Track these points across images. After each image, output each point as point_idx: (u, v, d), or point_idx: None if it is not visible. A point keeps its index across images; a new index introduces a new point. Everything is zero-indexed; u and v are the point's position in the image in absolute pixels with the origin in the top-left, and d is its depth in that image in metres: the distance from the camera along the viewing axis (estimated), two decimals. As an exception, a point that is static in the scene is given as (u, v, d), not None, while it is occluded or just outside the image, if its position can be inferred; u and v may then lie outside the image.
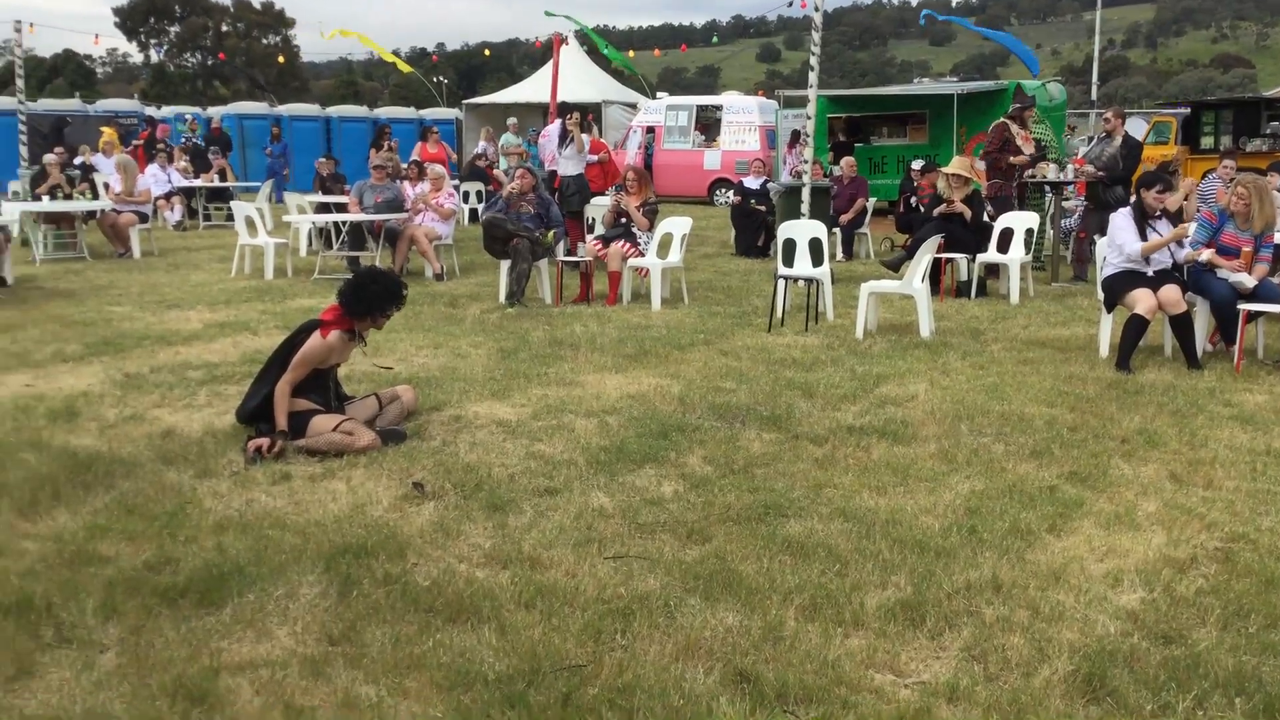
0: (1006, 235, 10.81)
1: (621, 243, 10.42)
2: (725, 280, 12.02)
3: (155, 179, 17.95)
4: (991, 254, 10.81)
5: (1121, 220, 7.71)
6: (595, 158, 14.02)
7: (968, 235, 10.71)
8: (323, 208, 15.12)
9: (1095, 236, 9.92)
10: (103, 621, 3.53)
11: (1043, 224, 11.78)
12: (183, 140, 20.78)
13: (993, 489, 4.89)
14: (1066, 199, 12.46)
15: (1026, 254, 10.73)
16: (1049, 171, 11.60)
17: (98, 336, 8.45)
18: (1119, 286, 7.59)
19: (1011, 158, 11.70)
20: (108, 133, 21.37)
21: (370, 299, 5.64)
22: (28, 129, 16.30)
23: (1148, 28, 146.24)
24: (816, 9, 10.41)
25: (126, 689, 3.13)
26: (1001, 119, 12.27)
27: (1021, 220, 10.85)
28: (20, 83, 16.02)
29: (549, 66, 20.29)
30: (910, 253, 10.08)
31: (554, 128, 13.78)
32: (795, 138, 19.34)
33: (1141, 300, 7.35)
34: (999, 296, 10.67)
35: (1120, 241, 7.62)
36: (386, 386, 6.23)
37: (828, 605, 3.67)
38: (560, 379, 7.07)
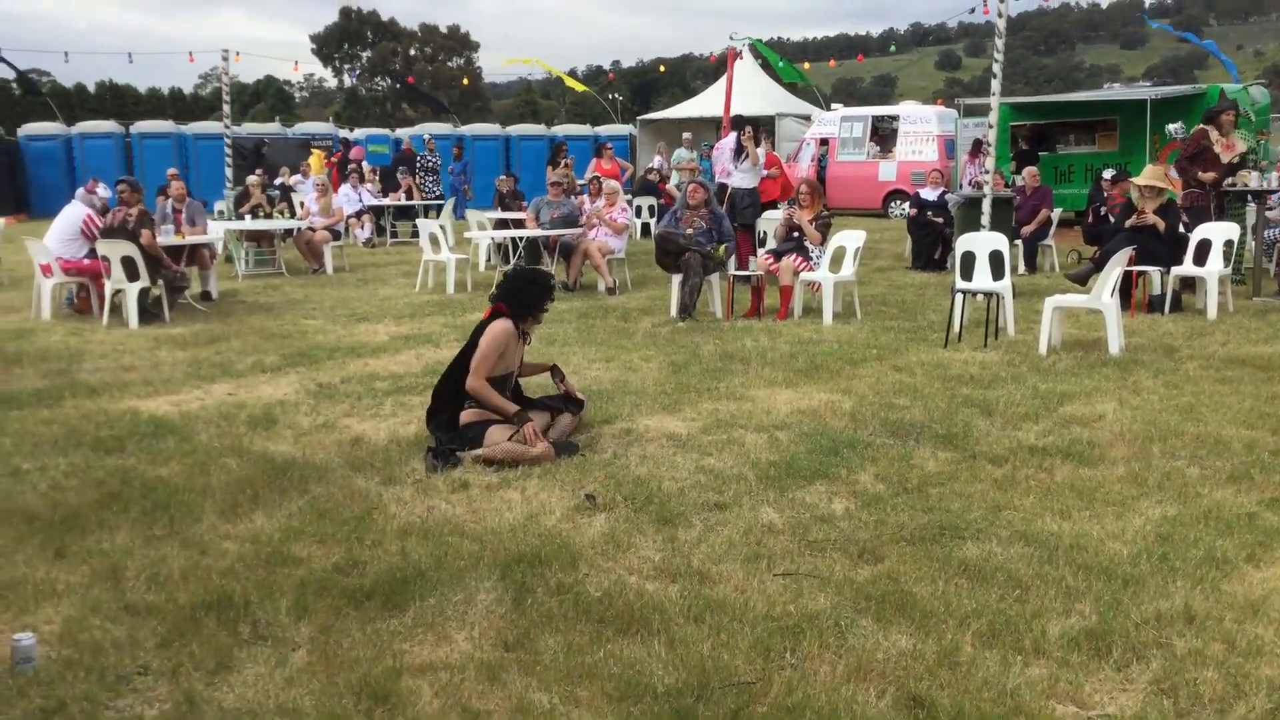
0: (1204, 247, 10.23)
1: (793, 257, 10.36)
2: (900, 294, 11.79)
3: (347, 198, 18.88)
4: (1187, 267, 10.25)
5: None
6: (768, 172, 13.98)
7: (1161, 247, 10.19)
8: (501, 224, 15.58)
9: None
10: (295, 620, 3.72)
11: (1244, 235, 11.09)
12: (424, 156, 21.74)
13: (1186, 515, 4.64)
14: (1270, 209, 11.70)
15: (1226, 267, 10.12)
16: (1250, 179, 10.93)
17: (293, 348, 8.93)
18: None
19: (1200, 172, 11.06)
20: (315, 157, 22.52)
21: (528, 297, 5.98)
22: (232, 152, 17.38)
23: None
24: (1000, 14, 10.13)
25: (315, 686, 3.29)
26: (1200, 125, 11.63)
27: (1220, 231, 10.25)
28: (226, 108, 17.11)
29: (723, 80, 20.38)
30: (1098, 265, 9.66)
31: (727, 141, 13.81)
32: (977, 147, 18.79)
33: (1357, 316, 6.84)
34: (1195, 312, 10.11)
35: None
36: (555, 396, 6.37)
37: (1007, 632, 3.55)
38: (730, 393, 7.08)
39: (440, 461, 5.50)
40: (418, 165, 21.38)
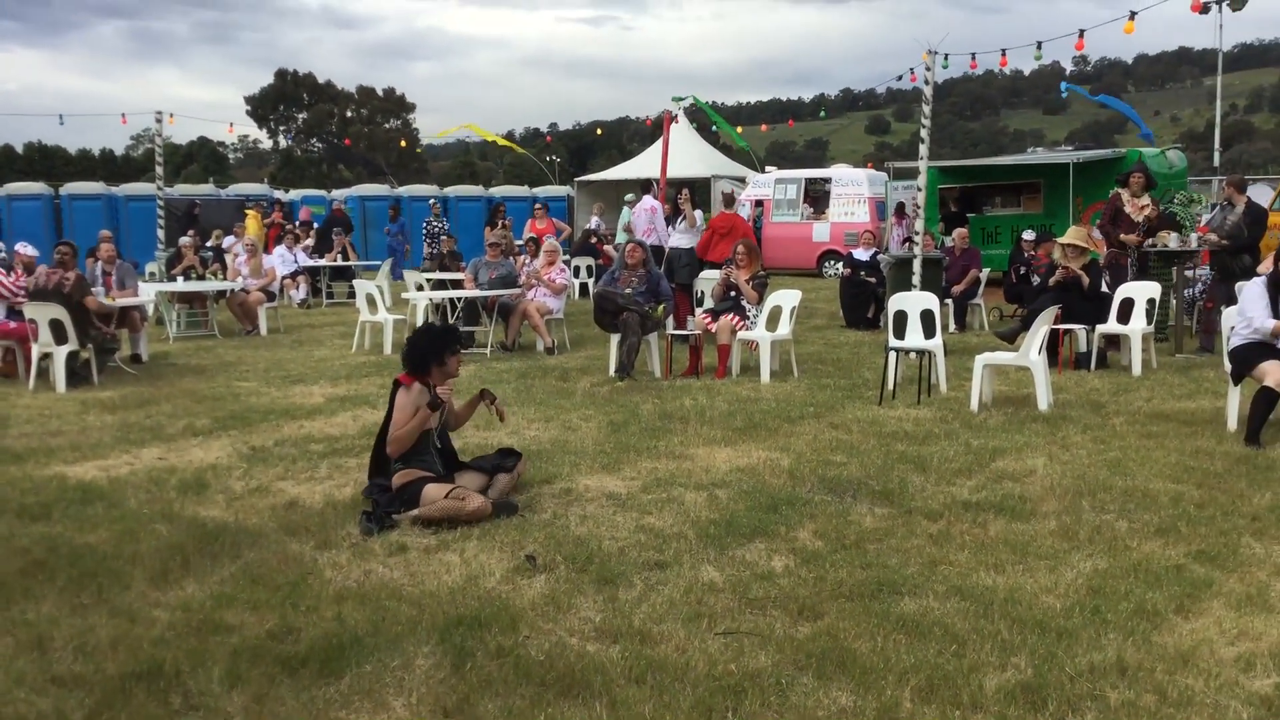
0: (1126, 305, 10.53)
1: (731, 316, 10.47)
2: (835, 353, 11.95)
3: (282, 259, 18.73)
4: (1111, 324, 10.54)
5: (1254, 291, 7.42)
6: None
7: (1086, 305, 10.47)
8: (439, 284, 15.56)
9: (1222, 306, 9.61)
10: (228, 690, 3.64)
11: (1165, 293, 11.44)
12: (430, 219, 21.81)
13: (1116, 568, 4.73)
14: (1189, 268, 12.10)
15: (1148, 324, 10.42)
16: (1170, 240, 11.30)
17: (226, 411, 8.80)
18: (1248, 357, 7.31)
19: (1122, 234, 11.45)
20: (251, 218, 22.37)
21: (421, 352, 5.99)
22: (165, 213, 17.19)
23: (1272, 91, 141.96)
24: (927, 82, 10.43)
25: (249, 756, 3.21)
26: (1114, 189, 12.05)
27: (1143, 290, 10.57)
28: (159, 169, 16.95)
29: (659, 143, 20.65)
30: (1026, 324, 9.90)
31: (645, 202, 14.01)
32: (901, 209, 19.31)
33: (1272, 372, 7.06)
34: (1120, 368, 10.38)
35: (1251, 314, 7.33)
36: (493, 454, 6.35)
37: (945, 686, 3.58)
38: (670, 452, 7.10)
39: (375, 525, 5.44)
40: (424, 230, 21.47)
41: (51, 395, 9.71)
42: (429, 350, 6.00)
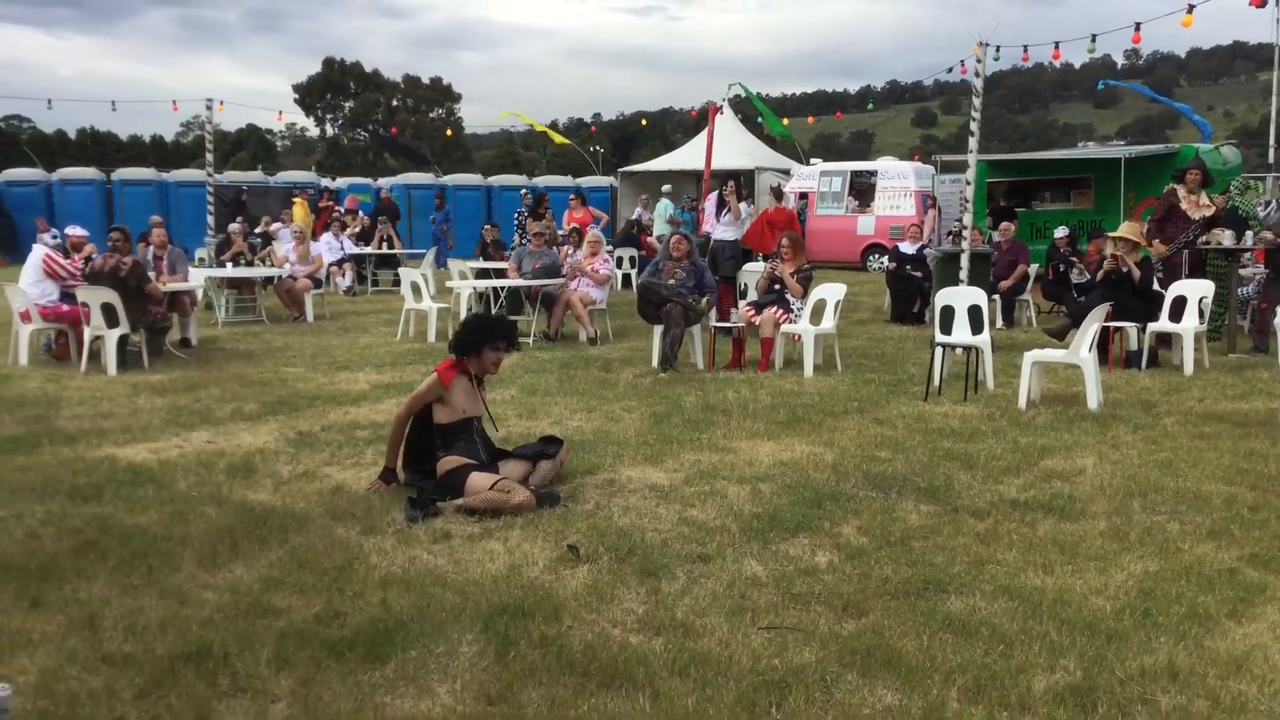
0: (1179, 304, 10.36)
1: (774, 309, 10.42)
2: (879, 347, 11.86)
3: (328, 246, 18.88)
4: (1163, 323, 10.37)
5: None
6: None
7: (1137, 303, 10.31)
8: (483, 273, 15.62)
9: (1277, 307, 9.43)
10: (275, 672, 3.67)
11: (1219, 291, 11.23)
12: (521, 209, 21.77)
13: (1168, 570, 4.66)
14: (1244, 266, 11.88)
15: (1201, 323, 10.25)
16: (1224, 238, 11.10)
17: (273, 396, 8.88)
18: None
19: (1151, 243, 11.22)
20: (298, 206, 22.55)
21: (467, 336, 6.08)
22: (214, 200, 17.39)
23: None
24: (977, 74, 10.30)
25: (296, 739, 3.24)
26: (1169, 185, 11.84)
27: (1196, 288, 10.39)
28: (209, 156, 17.14)
29: (703, 135, 20.59)
30: (1075, 321, 9.77)
31: (715, 197, 13.98)
32: (931, 202, 19.49)
33: (1330, 373, 6.93)
34: (1171, 367, 10.21)
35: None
36: (535, 441, 6.36)
37: (992, 687, 3.54)
38: (712, 444, 7.08)
39: (420, 512, 5.47)
40: (515, 220, 21.51)
41: (103, 378, 9.86)
42: (476, 337, 6.06)
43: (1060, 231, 14.81)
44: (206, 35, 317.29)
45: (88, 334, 10.34)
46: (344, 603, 4.29)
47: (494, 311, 12.98)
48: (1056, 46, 14.48)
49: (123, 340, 10.29)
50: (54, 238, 12.45)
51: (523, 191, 24.42)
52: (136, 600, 4.32)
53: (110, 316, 10.18)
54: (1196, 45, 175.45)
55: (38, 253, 11.26)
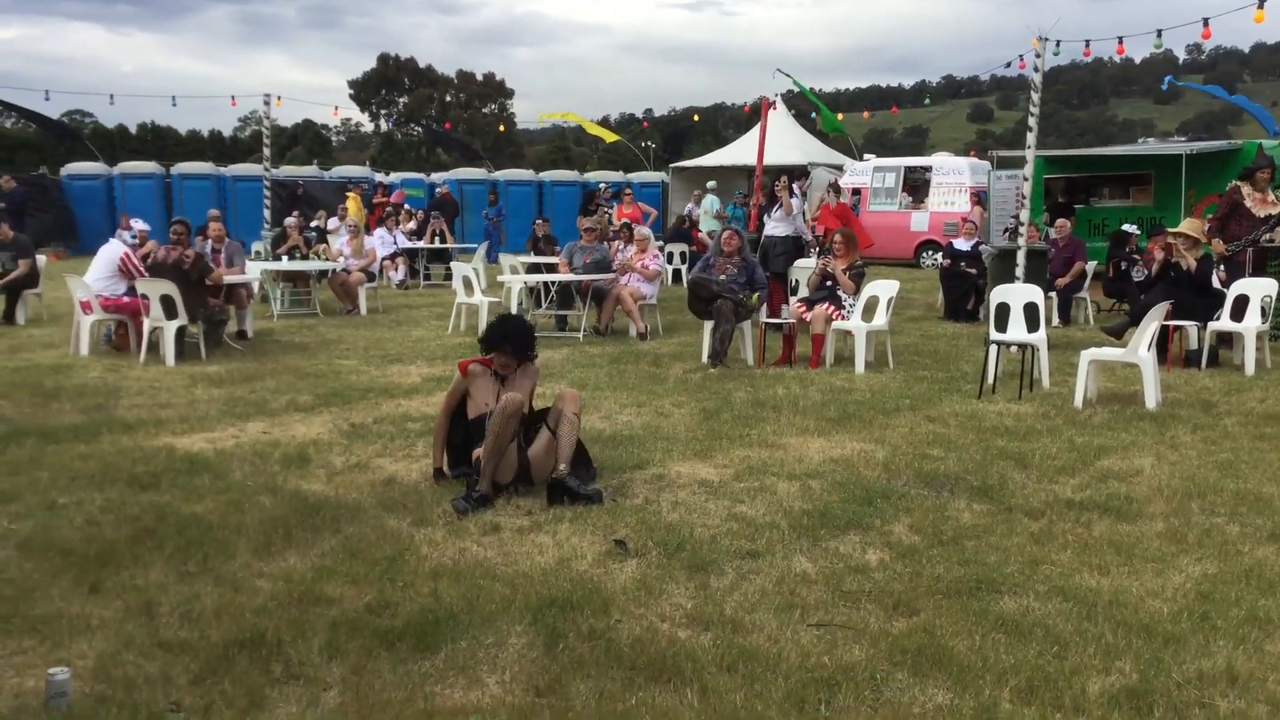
0: (1240, 303, 10.14)
1: (826, 305, 10.35)
2: (932, 344, 11.74)
3: (382, 241, 19.05)
4: (1224, 322, 10.16)
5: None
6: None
7: (1198, 302, 10.11)
8: (534, 268, 15.67)
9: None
10: (327, 660, 3.71)
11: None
12: (603, 201, 21.64)
13: (1227, 573, 4.56)
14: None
15: (1263, 322, 10.02)
16: (1284, 236, 10.85)
17: (327, 388, 8.99)
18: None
19: (1213, 241, 10.98)
20: (352, 200, 22.76)
21: (488, 335, 6.17)
22: (270, 194, 17.60)
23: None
24: (1037, 69, 10.16)
25: (347, 726, 3.27)
26: (1234, 181, 11.58)
27: (1258, 287, 10.16)
28: (266, 150, 17.36)
29: (755, 130, 20.51)
30: (1134, 319, 9.60)
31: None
32: (978, 198, 19.20)
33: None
34: (1232, 367, 10.01)
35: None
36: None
37: (1046, 689, 3.49)
38: (762, 440, 7.05)
39: (470, 504, 5.49)
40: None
41: (161, 368, 10.03)
42: (495, 337, 6.10)
43: (1130, 226, 14.62)
44: (264, 31, 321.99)
45: (147, 325, 10.52)
46: (395, 593, 4.33)
47: (543, 306, 13.06)
48: (1120, 41, 14.16)
49: (181, 331, 10.45)
50: (133, 237, 12.66)
51: (603, 186, 24.42)
52: (192, 587, 4.39)
53: (169, 308, 10.35)
54: (1260, 40, 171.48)
55: (116, 248, 11.39)
